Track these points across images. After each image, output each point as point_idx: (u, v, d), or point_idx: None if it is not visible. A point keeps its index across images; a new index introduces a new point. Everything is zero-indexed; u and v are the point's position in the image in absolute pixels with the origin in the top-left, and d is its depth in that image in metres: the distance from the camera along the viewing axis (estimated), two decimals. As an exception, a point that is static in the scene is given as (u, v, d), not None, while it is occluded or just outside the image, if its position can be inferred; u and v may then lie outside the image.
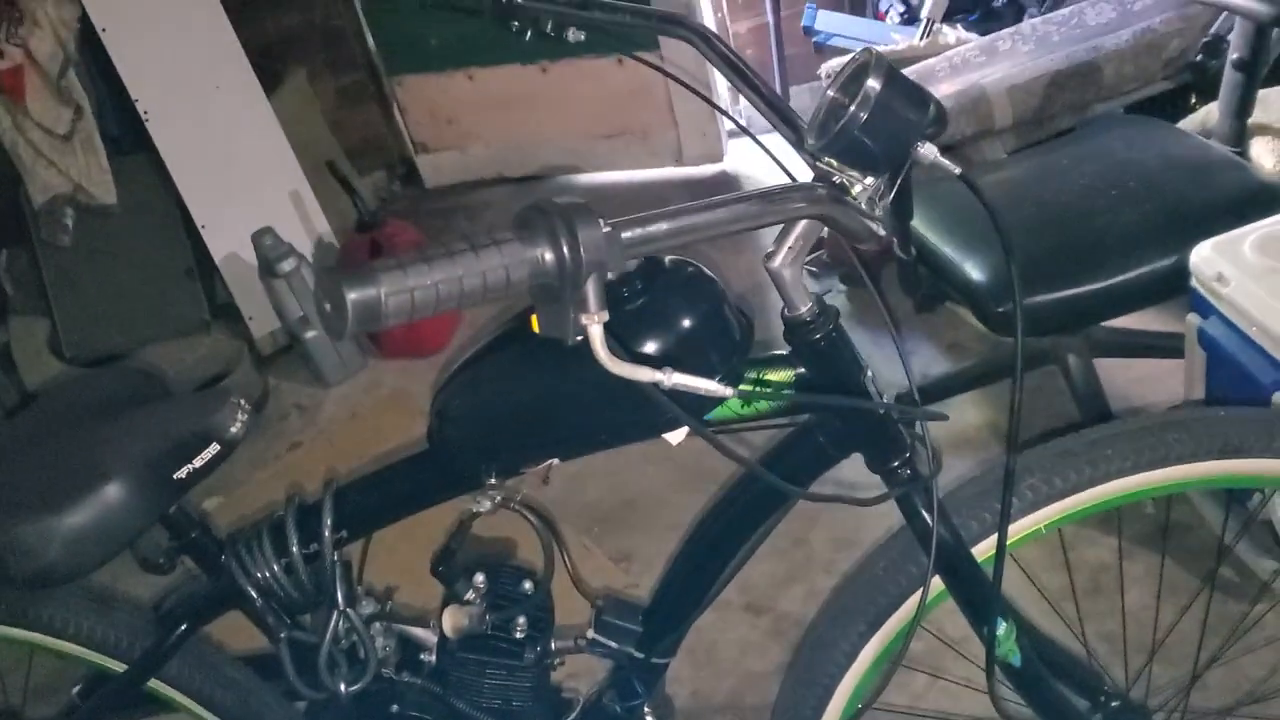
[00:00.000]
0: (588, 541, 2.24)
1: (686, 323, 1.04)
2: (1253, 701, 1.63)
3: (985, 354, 2.38)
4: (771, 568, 2.11)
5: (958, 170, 0.94)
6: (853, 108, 0.86)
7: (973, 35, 2.80)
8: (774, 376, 1.08)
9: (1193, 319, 1.82)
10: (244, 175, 2.84)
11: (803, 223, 0.94)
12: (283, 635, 1.20)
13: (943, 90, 2.48)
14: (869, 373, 1.08)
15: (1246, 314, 1.66)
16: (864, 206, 0.91)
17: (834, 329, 1.04)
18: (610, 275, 0.70)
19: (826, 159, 0.90)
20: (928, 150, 0.90)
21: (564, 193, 3.23)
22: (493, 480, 1.13)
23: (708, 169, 3.37)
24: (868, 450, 1.11)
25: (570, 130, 3.35)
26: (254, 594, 1.18)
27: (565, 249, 0.68)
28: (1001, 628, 1.12)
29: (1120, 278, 1.90)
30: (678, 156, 3.34)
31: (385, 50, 3.40)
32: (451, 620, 1.19)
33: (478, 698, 1.24)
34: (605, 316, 0.70)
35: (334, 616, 1.20)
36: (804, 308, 1.02)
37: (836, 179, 0.91)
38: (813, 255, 2.79)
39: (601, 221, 0.70)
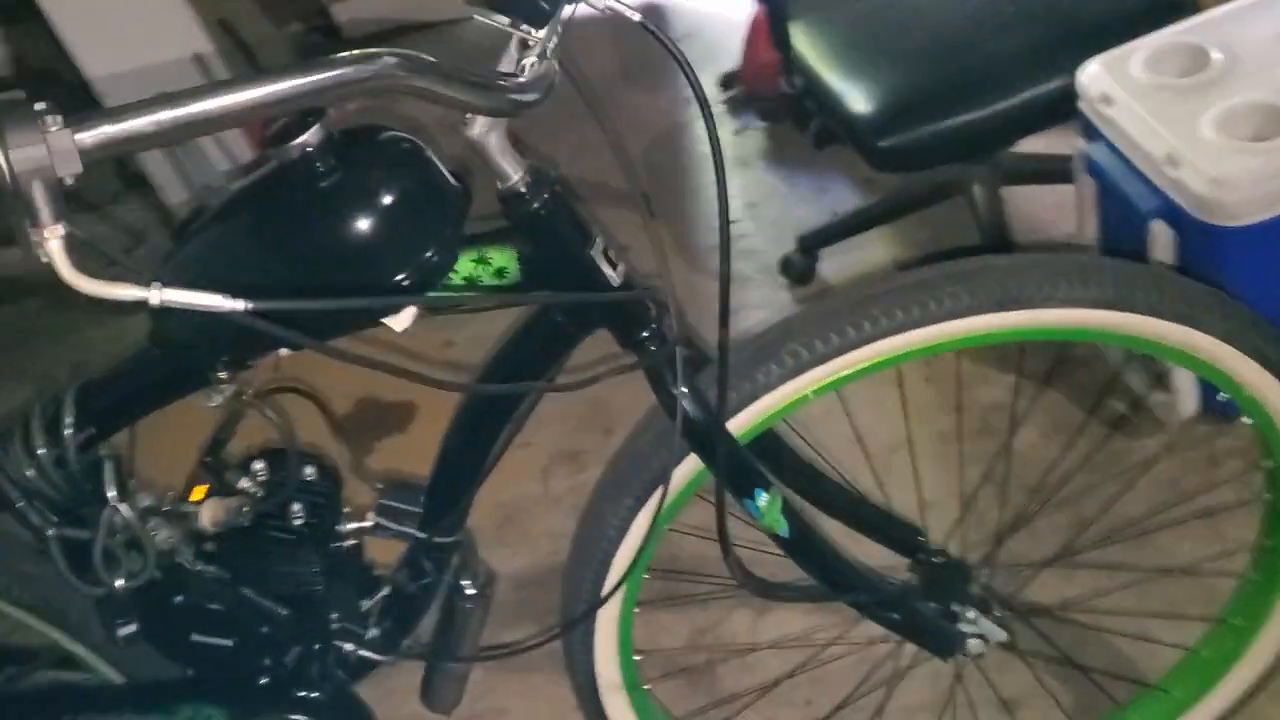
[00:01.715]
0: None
1: (387, 199, 0.95)
2: (1073, 553, 1.58)
3: (896, 188, 2.27)
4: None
5: (637, 16, 0.84)
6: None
7: None
8: (496, 256, 1.00)
9: (1080, 144, 1.71)
10: (140, 39, 2.72)
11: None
12: (50, 533, 1.16)
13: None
14: (598, 242, 1.00)
15: (1128, 136, 1.56)
16: (530, 63, 0.82)
17: (552, 199, 0.95)
18: (68, 181, 0.62)
19: (477, 9, 0.81)
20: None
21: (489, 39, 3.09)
22: (222, 374, 1.07)
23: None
24: (609, 327, 1.04)
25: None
26: (13, 496, 1.15)
27: None
28: (763, 499, 1.07)
29: (1012, 101, 1.80)
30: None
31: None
32: (210, 513, 1.15)
33: (266, 584, 1.21)
34: (61, 230, 0.62)
35: (104, 512, 1.16)
36: (515, 176, 0.94)
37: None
38: (729, 93, 2.66)
39: (49, 120, 0.61)
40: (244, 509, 1.15)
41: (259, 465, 1.21)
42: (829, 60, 1.91)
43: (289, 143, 0.91)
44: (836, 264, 2.23)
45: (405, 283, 0.96)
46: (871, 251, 2.24)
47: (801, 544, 1.10)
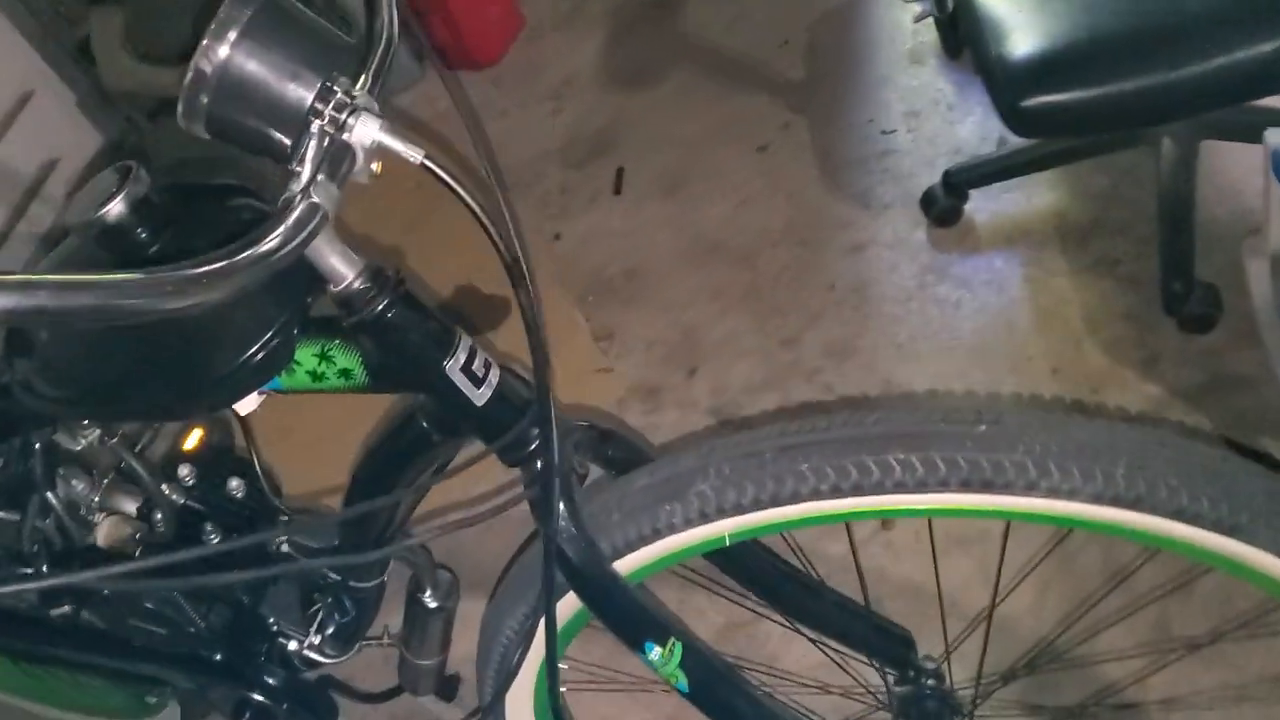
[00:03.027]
0: (579, 314, 2.06)
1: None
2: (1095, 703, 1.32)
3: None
4: (748, 370, 1.87)
5: (417, 157, 0.65)
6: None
7: None
8: (340, 356, 0.85)
9: (1274, 137, 1.37)
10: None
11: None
12: None
13: None
14: (458, 354, 0.83)
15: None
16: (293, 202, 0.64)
17: (395, 303, 0.79)
18: None
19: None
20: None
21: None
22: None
23: None
24: (483, 439, 0.88)
25: None
26: None
27: None
28: (654, 652, 0.91)
29: (1205, 66, 1.43)
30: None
31: None
32: (105, 532, 1.09)
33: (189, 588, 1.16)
34: None
35: (33, 498, 1.13)
36: (350, 275, 0.77)
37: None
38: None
39: None
40: (136, 536, 1.09)
41: (185, 471, 1.14)
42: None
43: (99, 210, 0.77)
44: (989, 208, 1.91)
45: (247, 368, 0.82)
46: (1033, 199, 1.90)
47: (707, 701, 0.94)
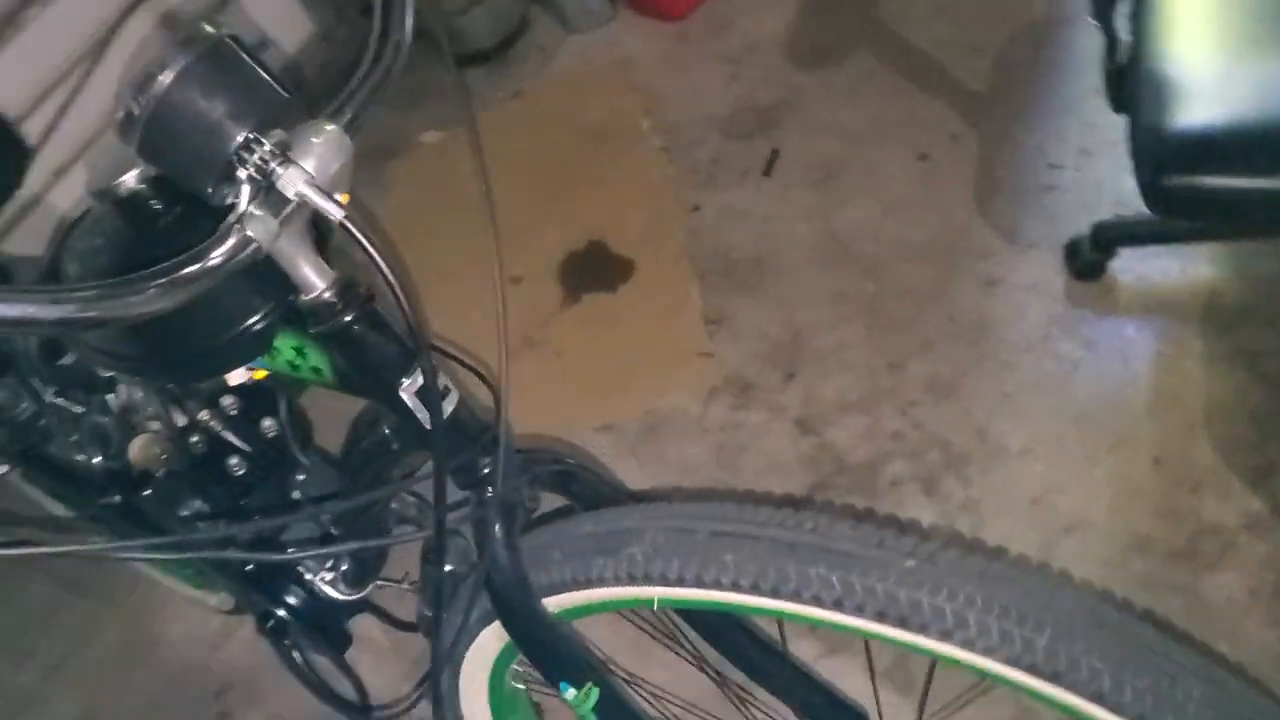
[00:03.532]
0: (695, 292, 2.05)
1: None
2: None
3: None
4: (845, 386, 1.83)
5: (339, 214, 0.65)
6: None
7: None
8: (313, 355, 0.88)
9: None
10: None
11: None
12: (46, 401, 1.24)
13: None
14: (415, 376, 0.84)
15: None
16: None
17: (361, 318, 0.80)
18: None
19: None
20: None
21: None
22: None
23: None
24: (434, 459, 0.89)
25: None
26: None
27: None
28: (569, 693, 0.92)
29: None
30: None
31: None
32: (138, 450, 1.16)
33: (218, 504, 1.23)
34: None
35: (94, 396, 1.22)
36: (320, 286, 0.79)
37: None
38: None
39: None
40: (164, 457, 1.16)
41: (228, 401, 1.20)
42: (1166, 32, 1.45)
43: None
44: (1136, 269, 1.79)
45: (231, 348, 0.87)
46: (1185, 270, 1.77)
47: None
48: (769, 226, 2.10)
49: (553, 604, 0.92)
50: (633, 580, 0.86)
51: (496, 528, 0.87)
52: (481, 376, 0.94)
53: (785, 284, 2.00)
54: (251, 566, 1.31)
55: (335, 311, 0.79)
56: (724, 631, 1.07)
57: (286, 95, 0.66)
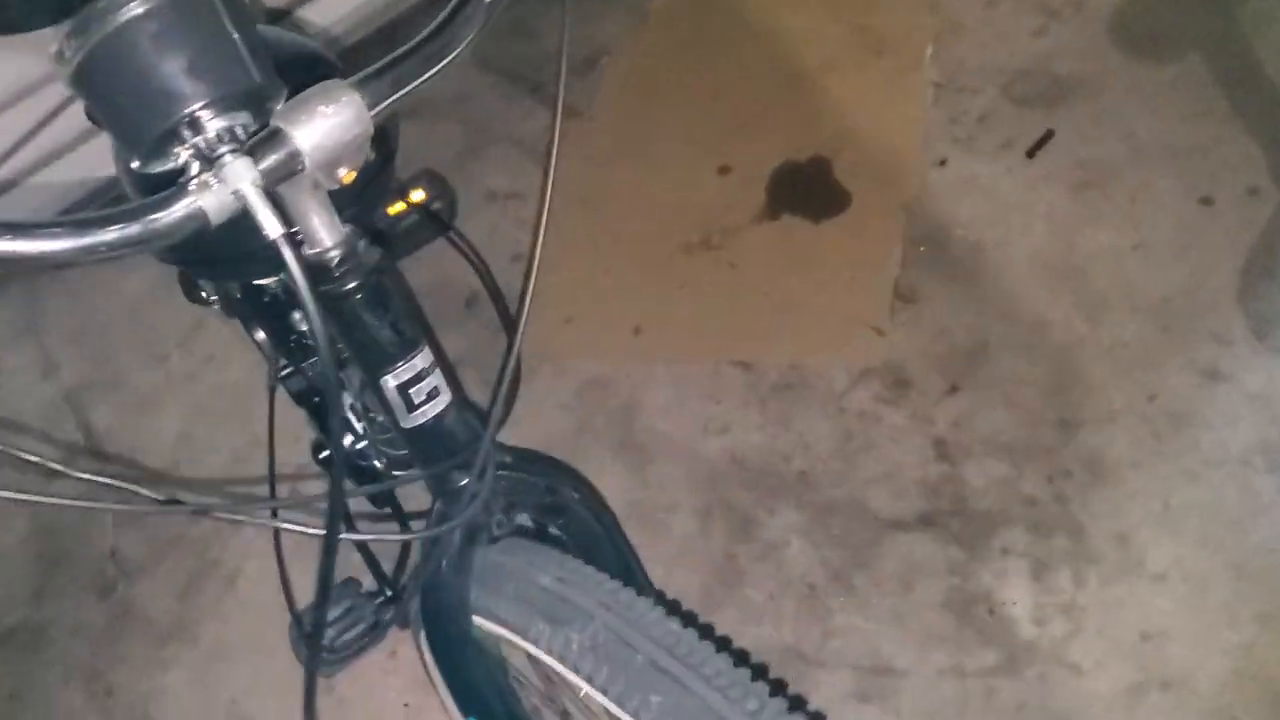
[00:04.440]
0: (897, 258, 1.86)
1: None
2: None
3: None
4: (1004, 424, 1.65)
5: (274, 232, 0.56)
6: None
7: None
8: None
9: None
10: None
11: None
12: None
13: None
14: (403, 369, 0.75)
15: None
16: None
17: (359, 290, 0.72)
18: None
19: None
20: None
21: None
22: None
23: None
24: (412, 458, 0.83)
25: None
26: None
27: None
28: (476, 726, 0.86)
29: None
30: None
31: None
32: None
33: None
34: None
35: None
36: (328, 243, 0.71)
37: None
38: None
39: None
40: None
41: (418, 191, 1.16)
42: None
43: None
44: None
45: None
46: None
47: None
48: (1007, 215, 1.88)
49: (485, 625, 0.85)
50: (563, 661, 0.78)
51: (450, 549, 0.79)
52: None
53: (995, 285, 1.80)
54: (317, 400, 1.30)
55: (337, 275, 0.71)
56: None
57: (258, 79, 0.56)
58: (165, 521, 1.86)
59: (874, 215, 1.92)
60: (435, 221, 1.08)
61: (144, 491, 0.70)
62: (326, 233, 0.70)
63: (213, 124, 0.55)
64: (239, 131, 0.56)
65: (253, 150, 0.56)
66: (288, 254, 0.55)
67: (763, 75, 2.17)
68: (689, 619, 0.93)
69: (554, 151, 0.76)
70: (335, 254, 0.70)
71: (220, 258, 0.80)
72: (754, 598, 1.58)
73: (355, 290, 0.72)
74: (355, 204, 0.86)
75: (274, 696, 1.66)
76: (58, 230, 0.54)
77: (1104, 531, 1.53)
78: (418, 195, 1.44)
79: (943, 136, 2.01)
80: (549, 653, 0.78)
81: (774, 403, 1.76)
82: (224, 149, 0.55)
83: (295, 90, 0.80)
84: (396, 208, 1.44)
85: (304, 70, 0.82)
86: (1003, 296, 1.78)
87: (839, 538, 1.60)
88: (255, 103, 0.58)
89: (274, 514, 1.12)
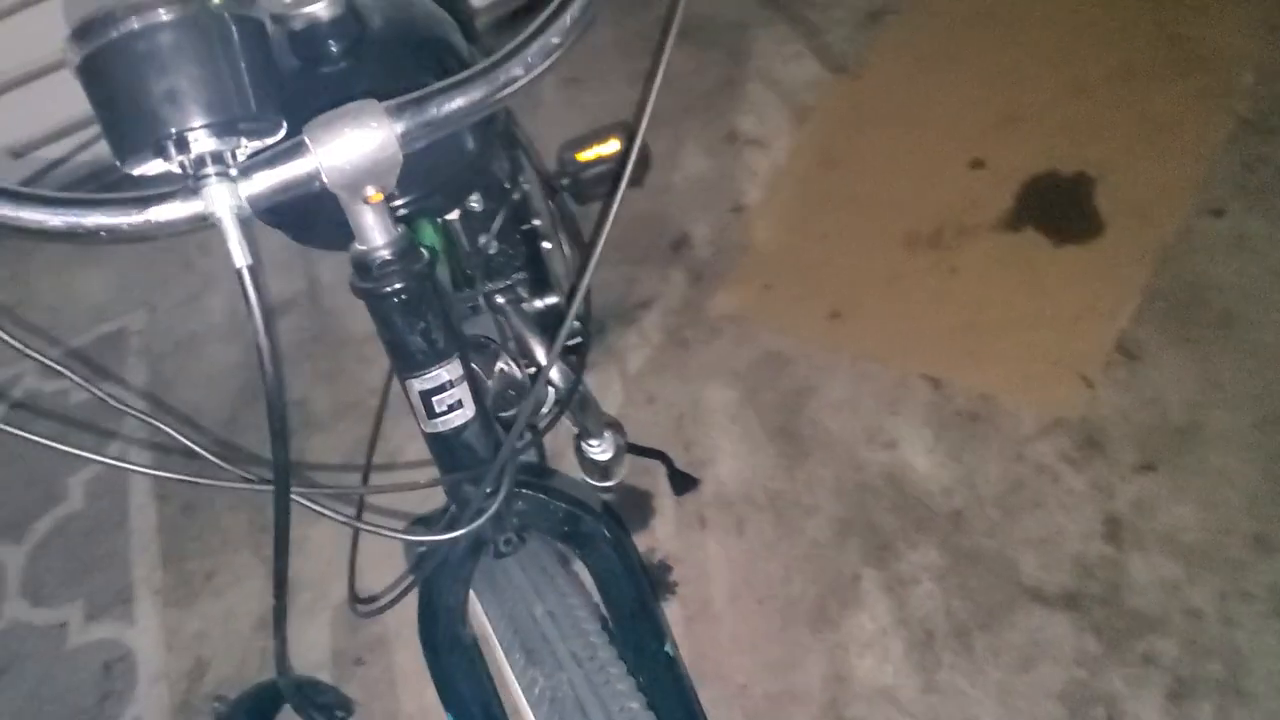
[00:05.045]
0: (1135, 303, 1.69)
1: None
2: None
3: None
4: (1191, 522, 1.49)
5: (240, 262, 0.54)
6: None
7: None
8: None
9: None
10: None
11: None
12: None
13: None
14: (430, 377, 0.74)
15: None
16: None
17: (400, 294, 0.71)
18: None
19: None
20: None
21: None
22: None
23: None
24: (434, 461, 0.82)
25: None
26: None
27: None
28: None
29: None
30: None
31: None
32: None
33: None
34: None
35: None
36: (379, 243, 0.69)
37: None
38: None
39: None
40: None
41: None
42: None
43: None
44: None
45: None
46: None
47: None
48: (1274, 290, 1.67)
49: (475, 632, 0.85)
50: (526, 696, 0.78)
51: (452, 556, 0.79)
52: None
53: (1230, 363, 1.61)
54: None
55: (381, 274, 0.70)
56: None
57: (254, 110, 0.54)
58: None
59: (1123, 253, 1.75)
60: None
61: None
62: (377, 232, 0.68)
63: (199, 146, 0.54)
64: (228, 157, 0.55)
65: (251, 170, 0.56)
66: (249, 288, 0.54)
67: (1048, 66, 1.99)
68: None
69: (649, 105, 0.69)
70: (381, 255, 0.69)
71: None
72: (866, 626, 1.51)
73: (394, 294, 0.70)
74: (437, 194, 0.84)
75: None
76: (43, 203, 0.55)
77: (1268, 671, 1.37)
78: (611, 146, 1.41)
79: (1228, 182, 1.79)
80: (517, 681, 0.78)
81: (950, 431, 1.65)
82: (209, 170, 0.54)
83: (410, 68, 0.79)
84: (587, 155, 1.42)
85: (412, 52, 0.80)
86: (1238, 380, 1.59)
87: (973, 591, 1.51)
88: (253, 132, 0.56)
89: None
